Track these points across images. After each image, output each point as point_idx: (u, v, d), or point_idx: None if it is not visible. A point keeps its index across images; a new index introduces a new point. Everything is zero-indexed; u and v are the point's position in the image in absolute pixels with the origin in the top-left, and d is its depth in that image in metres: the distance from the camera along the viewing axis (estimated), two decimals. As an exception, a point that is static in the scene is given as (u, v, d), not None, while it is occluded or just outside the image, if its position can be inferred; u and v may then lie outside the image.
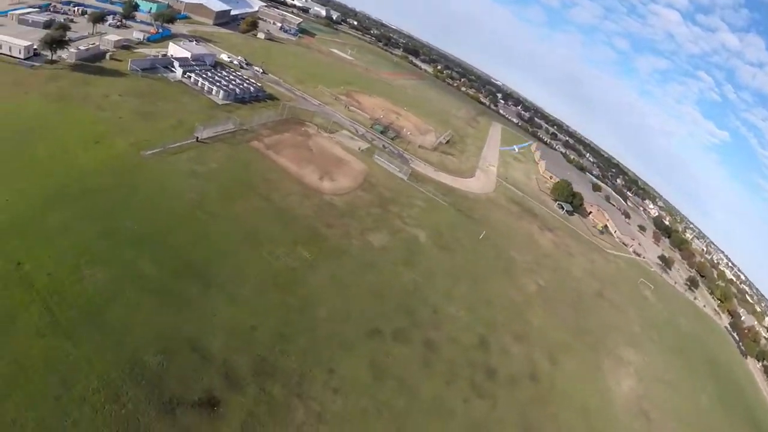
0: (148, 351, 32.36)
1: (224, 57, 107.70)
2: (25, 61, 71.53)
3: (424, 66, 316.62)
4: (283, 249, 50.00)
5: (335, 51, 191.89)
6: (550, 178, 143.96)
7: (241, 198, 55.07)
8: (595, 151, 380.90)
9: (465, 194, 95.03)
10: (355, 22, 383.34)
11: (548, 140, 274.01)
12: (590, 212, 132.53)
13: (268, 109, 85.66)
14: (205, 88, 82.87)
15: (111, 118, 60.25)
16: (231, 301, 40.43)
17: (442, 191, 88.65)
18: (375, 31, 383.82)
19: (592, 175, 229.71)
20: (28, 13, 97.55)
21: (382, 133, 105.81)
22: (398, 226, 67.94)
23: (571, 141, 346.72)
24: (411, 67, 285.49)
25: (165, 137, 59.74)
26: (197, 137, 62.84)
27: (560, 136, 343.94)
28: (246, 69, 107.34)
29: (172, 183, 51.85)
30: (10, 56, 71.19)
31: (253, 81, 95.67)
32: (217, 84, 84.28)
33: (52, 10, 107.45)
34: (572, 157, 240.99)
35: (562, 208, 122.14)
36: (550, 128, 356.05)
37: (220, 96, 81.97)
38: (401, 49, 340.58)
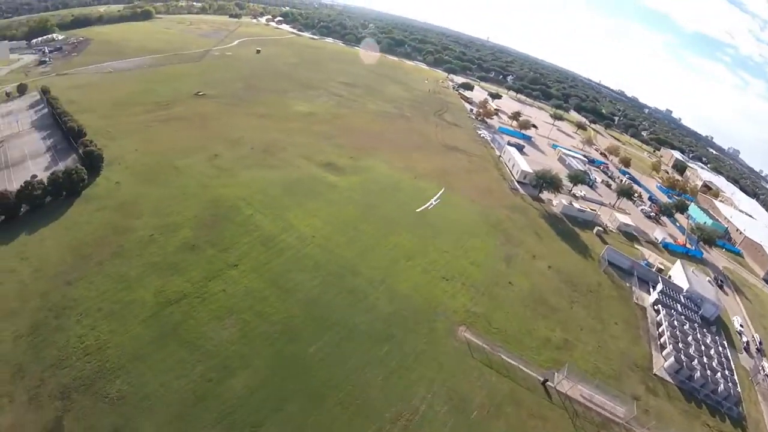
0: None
1: (736, 322, 69.29)
2: (515, 183, 79.60)
3: None
4: None
5: None
6: None
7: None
8: None
9: None
10: None
11: None
12: None
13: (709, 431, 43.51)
14: (661, 339, 55.30)
15: (497, 281, 51.69)
16: None
17: None
18: None
19: None
20: (573, 157, 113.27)
21: None
22: None
23: None
24: None
25: (515, 342, 43.73)
26: (545, 379, 41.34)
27: None
28: (746, 354, 64.47)
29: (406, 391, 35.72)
30: (511, 174, 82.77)
31: (732, 373, 54.62)
32: (679, 344, 54.66)
33: (602, 169, 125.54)
34: None
35: None
36: None
37: (666, 365, 50.82)
38: None
